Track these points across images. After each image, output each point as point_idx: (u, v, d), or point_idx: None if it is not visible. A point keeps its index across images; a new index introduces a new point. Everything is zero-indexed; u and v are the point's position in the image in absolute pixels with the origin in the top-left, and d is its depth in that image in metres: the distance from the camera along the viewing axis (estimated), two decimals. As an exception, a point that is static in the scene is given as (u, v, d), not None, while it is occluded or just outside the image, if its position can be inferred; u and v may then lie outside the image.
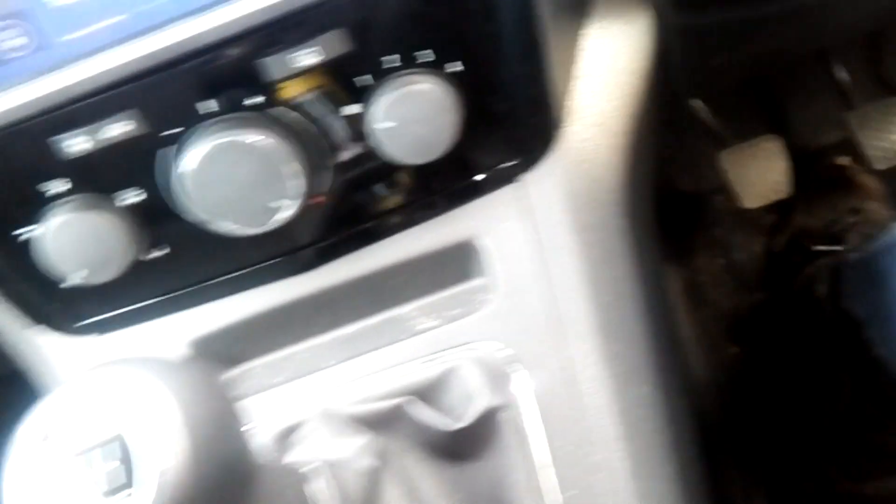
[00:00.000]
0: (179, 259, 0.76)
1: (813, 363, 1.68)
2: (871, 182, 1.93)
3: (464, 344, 0.80)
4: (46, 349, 0.82)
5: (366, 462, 0.68)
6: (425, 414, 0.76)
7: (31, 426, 0.49)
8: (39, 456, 0.49)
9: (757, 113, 1.99)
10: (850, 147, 1.93)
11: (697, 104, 1.88)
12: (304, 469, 0.66)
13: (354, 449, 0.69)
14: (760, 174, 1.89)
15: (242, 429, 0.53)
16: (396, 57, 0.69)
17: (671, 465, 0.82)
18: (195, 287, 0.78)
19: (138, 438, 0.47)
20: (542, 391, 0.79)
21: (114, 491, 0.47)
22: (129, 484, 0.47)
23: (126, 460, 0.47)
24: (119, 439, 0.47)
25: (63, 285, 0.74)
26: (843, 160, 1.95)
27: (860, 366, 1.55)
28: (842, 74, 1.93)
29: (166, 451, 0.47)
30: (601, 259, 0.81)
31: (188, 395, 0.49)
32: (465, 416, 0.75)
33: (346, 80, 0.69)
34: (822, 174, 1.97)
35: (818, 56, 1.92)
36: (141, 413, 0.48)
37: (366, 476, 0.67)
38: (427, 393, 0.78)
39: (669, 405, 0.85)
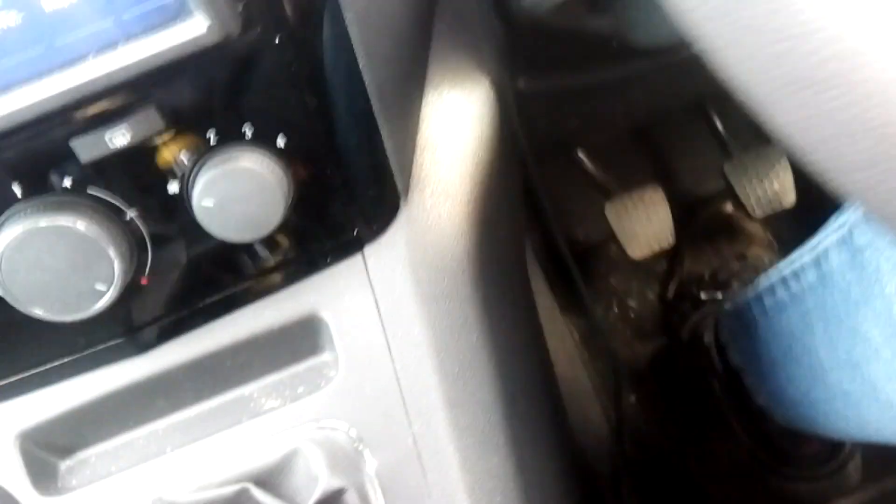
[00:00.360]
0: (7, 346, 0.73)
1: (705, 411, 1.70)
2: (755, 228, 1.97)
3: (308, 423, 0.78)
4: None
5: None
6: (267, 501, 0.73)
7: None
8: None
9: (641, 163, 2.02)
10: (732, 194, 1.97)
11: (582, 155, 1.90)
12: None
13: None
14: (643, 224, 1.92)
15: None
16: (213, 134, 0.66)
17: None
18: (22, 375, 0.75)
19: None
20: (386, 471, 0.77)
21: None
22: None
23: None
24: None
25: None
26: (728, 207, 1.99)
27: (747, 413, 1.57)
28: (718, 124, 1.97)
29: None
30: (446, 329, 0.79)
31: None
32: (310, 500, 0.73)
33: (161, 161, 0.67)
34: (708, 221, 2.01)
35: (697, 106, 1.96)
36: None
37: None
38: (269, 477, 0.76)
39: (524, 474, 0.84)
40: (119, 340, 0.76)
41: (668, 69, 1.17)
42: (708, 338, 1.66)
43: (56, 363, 0.75)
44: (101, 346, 0.76)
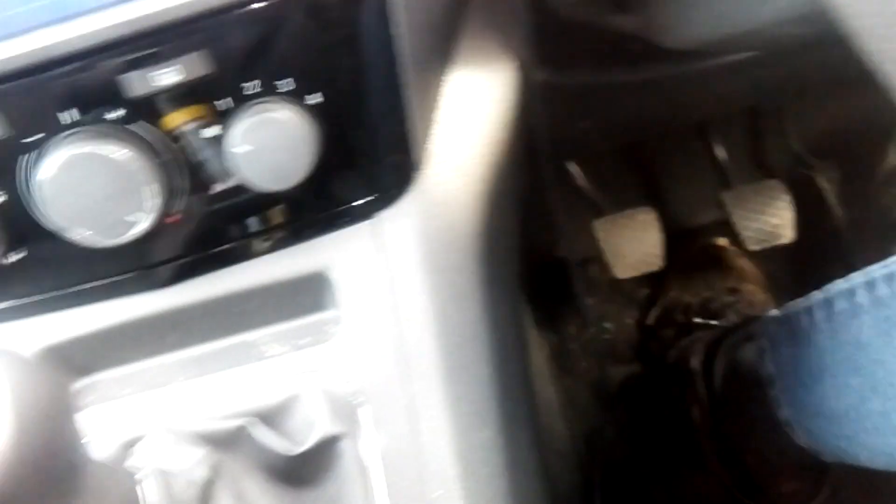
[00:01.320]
0: (35, 265, 0.76)
1: (680, 439, 1.70)
2: (746, 265, 1.99)
3: (309, 371, 0.81)
4: None
5: (199, 472, 0.69)
6: (267, 437, 0.77)
7: None
8: None
9: (634, 184, 2.04)
10: (726, 227, 1.98)
11: (574, 169, 1.92)
12: (138, 474, 0.67)
13: (191, 460, 0.70)
14: (633, 245, 1.94)
15: (73, 423, 0.54)
16: (257, 83, 0.70)
17: None
18: (49, 295, 0.79)
19: None
20: (383, 425, 0.80)
21: None
22: None
23: None
24: None
25: None
26: (721, 241, 2.01)
27: (726, 445, 1.57)
28: (720, 153, 1.98)
29: None
30: (451, 301, 0.83)
31: (18, 378, 0.50)
32: (305, 442, 0.77)
33: (207, 103, 0.71)
34: (697, 252, 2.02)
35: (698, 132, 1.98)
36: None
37: (198, 486, 0.68)
38: (270, 417, 0.79)
39: (511, 453, 0.87)
40: (139, 273, 0.79)
41: (690, 78, 1.19)
42: (695, 362, 1.67)
43: (78, 288, 0.79)
44: (123, 277, 0.79)
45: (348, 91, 0.74)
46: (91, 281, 0.79)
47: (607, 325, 2.07)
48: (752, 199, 1.96)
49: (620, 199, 2.00)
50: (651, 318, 2.00)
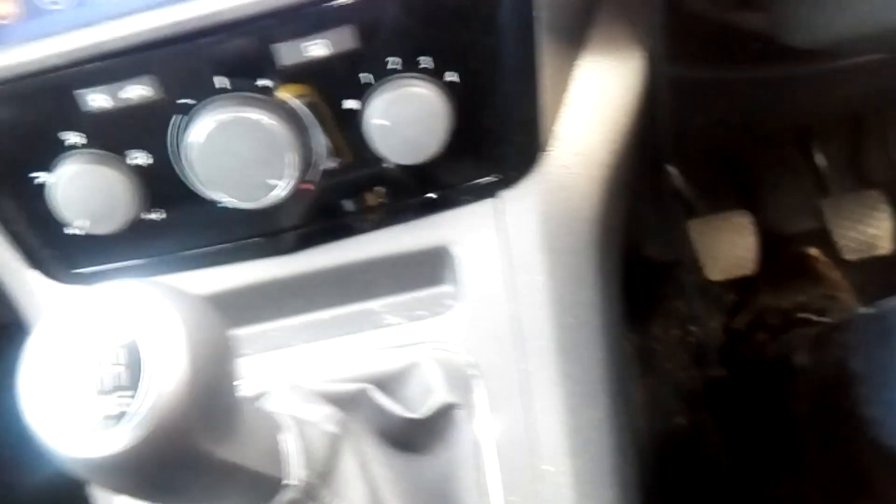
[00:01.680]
0: (174, 224, 0.80)
1: (777, 429, 1.67)
2: (838, 276, 1.96)
3: (427, 342, 0.84)
4: (40, 294, 0.86)
5: (330, 427, 0.72)
6: (385, 401, 0.79)
7: (43, 332, 0.53)
8: (50, 359, 0.52)
9: (730, 188, 2.02)
10: (820, 235, 1.96)
11: (672, 171, 1.91)
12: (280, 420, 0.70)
13: (320, 415, 0.73)
14: (727, 248, 1.93)
15: (235, 364, 0.57)
16: (398, 60, 0.73)
17: (615, 491, 0.86)
18: (185, 253, 0.83)
19: (145, 347, 0.51)
20: (497, 398, 0.82)
21: (113, 390, 0.50)
22: (129, 387, 0.50)
23: (131, 365, 0.51)
24: (127, 346, 0.51)
25: (67, 231, 0.78)
26: (813, 251, 1.99)
27: (836, 438, 1.54)
28: (820, 160, 1.97)
29: (170, 362, 0.50)
30: (568, 283, 0.85)
31: (192, 318, 0.53)
32: (423, 409, 0.79)
33: (349, 76, 0.74)
34: (788, 259, 2.00)
35: (797, 139, 1.96)
36: (149, 326, 0.51)
37: (330, 438, 0.71)
38: (387, 383, 0.81)
39: (617, 434, 0.89)
40: (268, 239, 0.83)
41: (811, 79, 1.19)
42: (799, 358, 1.66)
43: (210, 248, 0.83)
44: (252, 241, 0.83)
45: (484, 70, 0.76)
46: (223, 242, 0.83)
47: (693, 327, 2.06)
48: (851, 209, 1.94)
49: (715, 202, 1.99)
50: (740, 323, 1.98)
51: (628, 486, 0.91)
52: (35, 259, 0.84)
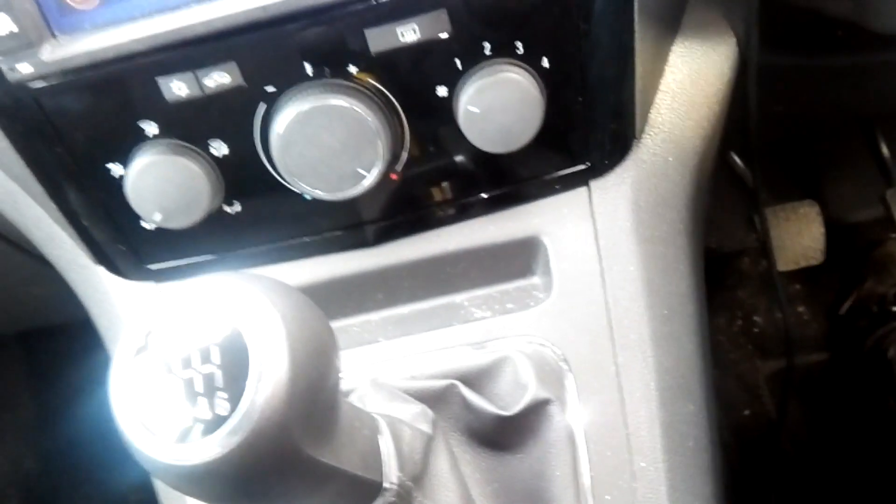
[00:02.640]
0: (253, 218, 0.78)
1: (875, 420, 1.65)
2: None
3: (516, 336, 0.81)
4: (108, 291, 0.84)
5: (424, 426, 0.69)
6: (474, 398, 0.77)
7: (133, 333, 0.51)
8: (141, 360, 0.50)
9: (793, 178, 2.00)
10: (886, 224, 1.94)
11: (734, 160, 1.89)
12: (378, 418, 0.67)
13: (411, 413, 0.71)
14: (794, 238, 1.90)
15: (337, 360, 0.54)
16: (489, 46, 0.70)
17: (709, 487, 0.83)
18: (263, 247, 0.80)
19: (252, 344, 0.48)
20: (587, 394, 0.80)
21: (207, 393, 0.48)
22: (224, 388, 0.48)
23: (226, 365, 0.48)
24: (222, 344, 0.49)
25: (144, 224, 0.76)
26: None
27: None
28: (884, 148, 1.94)
29: (274, 361, 0.48)
30: (660, 272, 0.82)
31: (292, 314, 0.50)
32: (516, 405, 0.76)
33: (441, 62, 0.71)
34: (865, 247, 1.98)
35: (862, 130, 1.93)
36: (253, 322, 0.49)
37: (425, 438, 0.68)
38: (476, 379, 0.79)
39: (711, 428, 0.86)
40: (352, 231, 0.81)
41: (892, 67, 1.17)
42: (893, 351, 1.65)
43: (292, 242, 0.81)
44: (336, 234, 0.81)
45: (578, 57, 0.73)
46: (303, 236, 0.81)
47: (757, 318, 2.03)
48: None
49: (780, 192, 1.96)
50: (844, 309, 1.95)
51: (720, 481, 0.88)
52: (104, 255, 0.82)
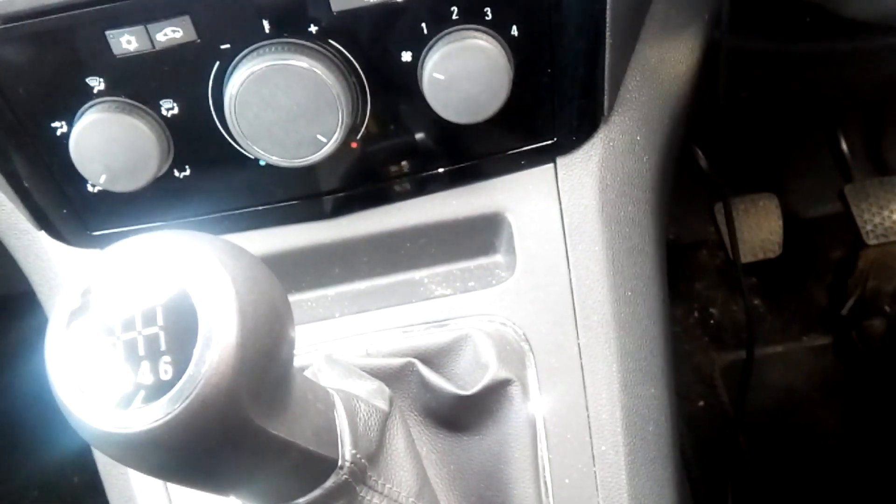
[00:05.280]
0: (205, 183, 0.74)
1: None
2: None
3: (477, 315, 0.79)
4: (51, 259, 0.80)
5: (379, 404, 0.66)
6: (432, 377, 0.74)
7: (70, 292, 0.47)
8: (80, 321, 0.47)
9: (752, 171, 2.01)
10: (843, 220, 1.95)
11: (696, 152, 1.89)
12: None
13: (367, 390, 0.68)
14: (753, 230, 1.91)
15: (291, 330, 0.51)
16: (457, 10, 0.68)
17: (669, 471, 0.82)
18: (215, 215, 0.77)
19: (200, 304, 0.45)
20: (549, 375, 0.78)
21: (150, 357, 0.45)
22: (167, 352, 0.45)
23: (169, 329, 0.45)
24: (165, 305, 0.45)
25: (88, 187, 0.72)
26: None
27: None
28: (843, 146, 1.96)
29: (224, 323, 0.45)
30: (625, 253, 0.80)
31: (244, 276, 0.47)
32: (475, 385, 0.74)
33: (407, 26, 0.68)
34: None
35: (822, 126, 1.95)
36: (200, 282, 0.46)
37: (381, 415, 0.65)
38: (433, 358, 0.77)
39: (672, 412, 0.84)
40: (308, 201, 0.78)
41: (860, 55, 1.16)
42: None
43: (249, 209, 0.77)
44: (293, 202, 0.77)
45: (549, 26, 0.70)
46: (257, 205, 0.77)
47: (713, 310, 2.03)
48: (874, 194, 1.93)
49: (740, 185, 1.96)
50: (846, 309, 1.95)
51: (680, 466, 0.86)
52: (47, 220, 0.78)
